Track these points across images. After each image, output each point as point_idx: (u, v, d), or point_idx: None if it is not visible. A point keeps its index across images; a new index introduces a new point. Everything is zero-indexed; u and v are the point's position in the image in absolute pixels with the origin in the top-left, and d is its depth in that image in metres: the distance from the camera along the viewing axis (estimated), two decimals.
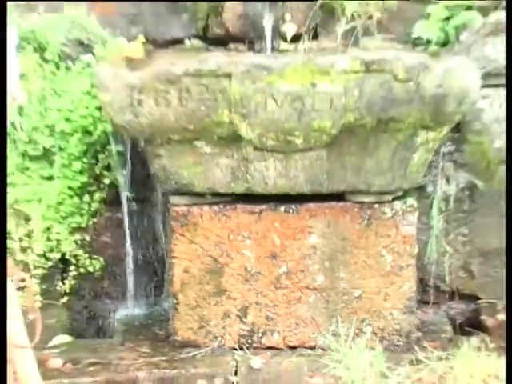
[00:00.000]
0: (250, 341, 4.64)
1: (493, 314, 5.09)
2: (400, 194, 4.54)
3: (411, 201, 4.52)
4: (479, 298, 5.21)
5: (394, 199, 4.53)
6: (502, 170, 5.00)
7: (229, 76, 4.11)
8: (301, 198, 4.49)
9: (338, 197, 4.50)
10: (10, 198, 4.72)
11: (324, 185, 4.43)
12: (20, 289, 3.01)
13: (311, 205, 4.49)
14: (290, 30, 4.79)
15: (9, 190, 4.66)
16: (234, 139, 4.28)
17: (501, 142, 4.99)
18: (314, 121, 4.15)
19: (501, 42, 4.83)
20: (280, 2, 4.84)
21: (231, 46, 4.95)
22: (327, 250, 4.52)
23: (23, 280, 2.05)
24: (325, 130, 4.18)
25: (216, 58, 4.19)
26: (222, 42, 4.96)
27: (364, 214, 4.50)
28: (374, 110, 4.16)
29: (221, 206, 4.52)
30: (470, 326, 5.06)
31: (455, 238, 5.13)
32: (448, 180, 5.02)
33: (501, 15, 4.83)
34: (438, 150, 4.72)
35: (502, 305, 5.13)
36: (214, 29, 4.97)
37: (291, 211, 4.50)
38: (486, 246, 5.14)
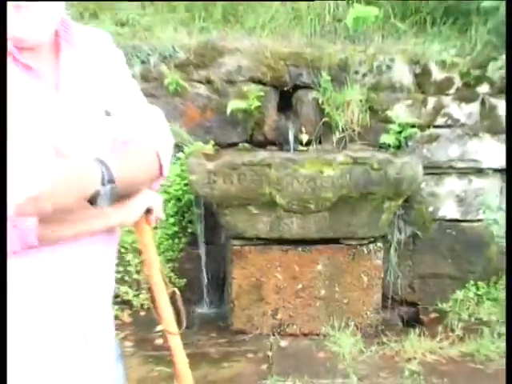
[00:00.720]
0: (278, 330, 4.62)
1: (427, 314, 5.04)
2: (372, 239, 4.58)
3: (379, 244, 4.57)
4: (418, 304, 5.15)
5: (369, 243, 4.56)
6: (434, 226, 5.04)
7: (269, 165, 4.24)
8: (312, 242, 4.51)
9: (335, 241, 4.53)
10: (130, 239, 4.66)
11: (327, 234, 4.47)
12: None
13: (318, 246, 4.52)
14: (304, 137, 4.79)
15: (129, 234, 4.65)
16: (271, 205, 4.34)
17: (432, 208, 5.05)
18: (322, 193, 4.27)
19: (434, 147, 4.93)
20: (298, 122, 4.84)
21: (268, 147, 4.89)
22: (327, 274, 4.56)
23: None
24: (328, 199, 4.30)
25: (261, 154, 4.37)
26: (262, 145, 4.90)
27: (351, 251, 4.54)
28: (359, 187, 4.29)
29: (262, 246, 4.52)
30: (413, 321, 5.00)
31: (404, 267, 5.08)
32: (400, 231, 5.02)
33: (436, 130, 4.95)
34: (395, 212, 4.74)
35: (431, 308, 5.09)
36: (257, 136, 4.91)
37: (306, 250, 4.52)
38: (423, 273, 5.10)
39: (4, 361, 1.59)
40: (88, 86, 1.84)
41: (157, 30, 4.84)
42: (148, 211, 1.87)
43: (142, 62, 4.75)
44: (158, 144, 1.91)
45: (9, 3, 1.63)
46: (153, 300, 2.00)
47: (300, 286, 4.60)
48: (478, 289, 5.12)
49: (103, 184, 1.67)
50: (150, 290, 2.02)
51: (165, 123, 2.00)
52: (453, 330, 4.71)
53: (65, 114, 1.77)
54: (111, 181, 1.68)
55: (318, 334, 4.62)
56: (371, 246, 4.59)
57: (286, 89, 4.87)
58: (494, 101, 4.94)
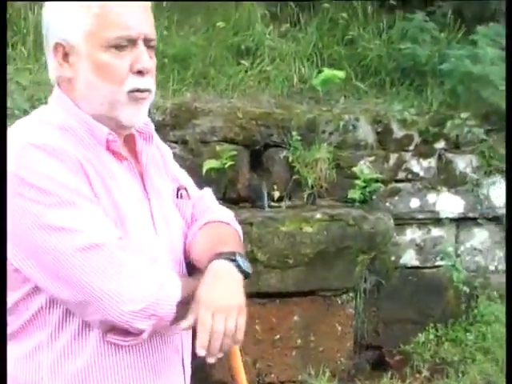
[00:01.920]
0: (257, 379, 4.71)
1: (392, 357, 5.22)
2: (345, 290, 4.83)
3: (351, 294, 4.84)
4: (382, 348, 5.29)
5: (342, 293, 4.81)
6: (396, 274, 5.30)
7: (251, 224, 4.43)
8: (289, 294, 4.66)
9: (311, 293, 4.71)
10: None
11: (304, 286, 4.65)
12: None
13: (295, 298, 4.69)
14: (276, 194, 4.95)
15: None
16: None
17: (394, 257, 5.29)
18: (301, 249, 4.49)
19: (396, 200, 5.25)
20: (269, 179, 5.04)
21: (241, 204, 4.95)
22: (303, 324, 4.73)
23: None
24: (306, 255, 4.53)
25: (244, 214, 4.54)
26: (235, 202, 4.93)
27: (325, 302, 4.76)
28: (335, 242, 4.56)
29: None
30: (379, 364, 5.19)
31: (369, 314, 5.22)
32: (365, 280, 5.15)
33: (397, 185, 5.29)
34: (365, 264, 4.92)
35: (395, 351, 5.25)
36: (230, 194, 4.97)
37: (283, 302, 4.67)
38: (387, 318, 5.27)
39: (4, 360, 1.63)
40: (161, 174, 2.01)
41: None
42: None
43: None
44: (234, 224, 2.08)
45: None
46: None
47: (277, 336, 4.77)
48: (437, 330, 5.40)
49: (243, 273, 1.86)
50: None
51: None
52: (419, 372, 5.00)
53: (154, 207, 1.92)
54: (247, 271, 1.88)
55: (294, 382, 4.79)
56: (344, 296, 4.85)
57: (257, 148, 5.11)
58: (450, 156, 5.33)
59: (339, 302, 4.84)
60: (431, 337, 5.39)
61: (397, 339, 5.37)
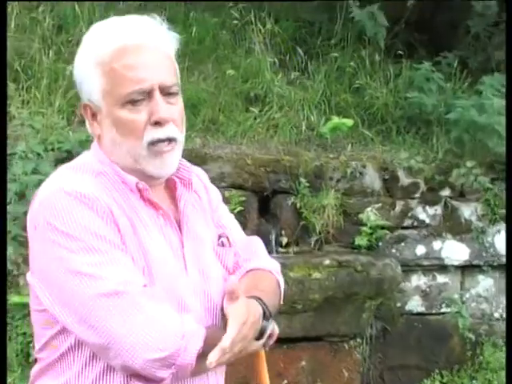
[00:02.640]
0: None
1: None
2: (352, 335, 4.87)
3: (359, 339, 4.87)
4: None
5: (349, 339, 4.83)
6: (402, 320, 5.35)
7: None
8: (297, 340, 4.66)
9: (319, 338, 4.74)
10: None
11: (311, 332, 4.68)
12: None
13: (303, 343, 4.70)
14: (284, 240, 5.03)
15: None
16: None
17: (400, 303, 5.32)
18: (310, 295, 4.51)
19: (402, 246, 5.30)
20: (278, 225, 5.09)
21: None
22: (310, 369, 4.74)
23: None
24: (315, 300, 4.54)
25: None
26: None
27: (332, 348, 4.79)
28: (343, 288, 4.58)
29: None
30: None
31: (375, 360, 5.25)
32: (371, 326, 5.18)
33: (403, 231, 5.38)
34: (372, 310, 4.96)
35: None
36: None
37: (290, 347, 4.67)
38: (392, 364, 5.31)
39: (4, 361, 1.71)
40: (201, 222, 2.03)
41: None
42: (269, 336, 1.96)
43: None
44: (277, 273, 2.11)
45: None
46: None
47: (285, 381, 4.77)
48: (442, 377, 5.43)
49: (267, 320, 1.88)
50: None
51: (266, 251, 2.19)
52: None
53: (187, 253, 1.95)
54: (270, 314, 1.89)
55: None
56: (351, 342, 4.88)
57: (265, 194, 5.18)
58: (455, 203, 5.39)
59: (346, 347, 4.87)
60: (437, 383, 5.41)
61: None
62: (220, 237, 2.08)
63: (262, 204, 5.21)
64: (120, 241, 1.82)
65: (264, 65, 5.51)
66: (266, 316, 1.88)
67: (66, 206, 1.79)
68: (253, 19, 5.60)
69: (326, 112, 5.48)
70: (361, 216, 5.21)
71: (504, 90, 5.44)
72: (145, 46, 1.86)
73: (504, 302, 5.58)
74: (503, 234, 5.47)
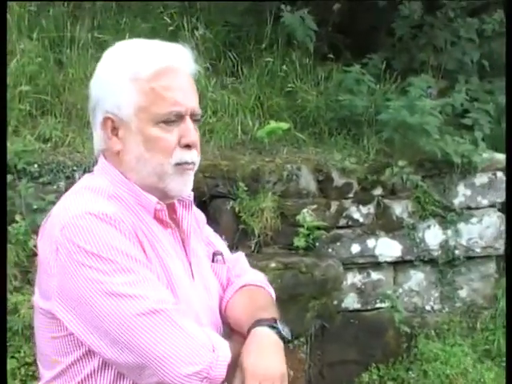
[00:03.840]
0: None
1: None
2: (297, 335, 4.95)
3: (302, 339, 5.01)
4: None
5: (294, 339, 4.91)
6: (339, 317, 5.48)
7: None
8: None
9: None
10: None
11: None
12: None
13: None
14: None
15: None
16: None
17: (336, 301, 5.42)
18: None
19: (338, 246, 5.44)
20: (217, 229, 5.28)
21: None
22: None
23: None
24: None
25: None
26: None
27: None
28: (288, 289, 4.72)
29: None
30: None
31: (315, 357, 5.35)
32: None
33: (338, 231, 5.53)
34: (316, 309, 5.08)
35: None
36: None
37: None
38: (331, 360, 5.43)
39: (4, 360, 1.72)
40: (198, 239, 2.12)
41: (79, 146, 5.10)
42: None
43: (67, 178, 4.95)
44: (267, 287, 2.22)
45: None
46: None
47: None
48: (379, 370, 5.62)
49: (283, 339, 1.96)
50: None
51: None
52: None
53: (194, 271, 2.03)
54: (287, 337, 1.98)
55: None
56: (296, 341, 5.01)
57: (204, 199, 5.23)
58: (387, 202, 5.58)
59: (291, 347, 4.97)
60: (374, 377, 5.59)
61: (341, 380, 5.55)
62: (215, 254, 2.17)
63: (201, 209, 5.23)
64: (146, 259, 1.88)
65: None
66: (281, 335, 1.97)
67: (93, 228, 1.83)
68: (184, 24, 5.63)
69: (260, 116, 5.58)
70: (297, 217, 5.32)
71: (429, 90, 5.69)
72: (183, 71, 1.95)
73: (435, 294, 5.83)
74: (433, 229, 5.71)
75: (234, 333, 2.06)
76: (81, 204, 1.89)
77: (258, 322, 1.97)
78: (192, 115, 1.95)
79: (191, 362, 1.81)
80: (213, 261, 2.16)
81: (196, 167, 2.01)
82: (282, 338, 1.97)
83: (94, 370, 1.88)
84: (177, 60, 1.94)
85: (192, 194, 2.10)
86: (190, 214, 2.09)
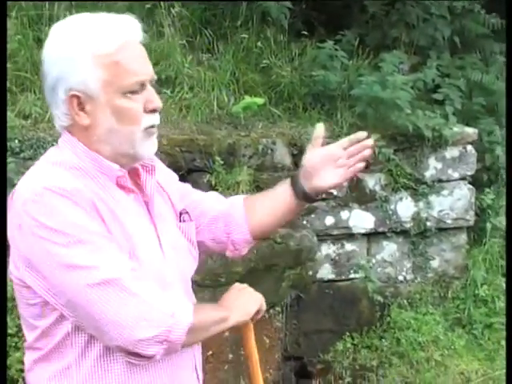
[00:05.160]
0: None
1: (314, 366, 5.61)
2: (272, 305, 5.06)
3: (278, 308, 5.15)
4: (303, 358, 5.66)
5: (269, 308, 4.97)
6: (314, 287, 5.66)
7: None
8: None
9: None
10: None
11: None
12: None
13: None
14: None
15: None
16: None
17: (311, 272, 5.56)
18: (233, 268, 4.78)
19: (312, 218, 5.57)
20: None
21: None
22: (234, 339, 4.86)
23: None
24: (238, 273, 4.80)
25: None
26: None
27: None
28: (264, 260, 4.87)
29: None
30: (302, 373, 5.60)
31: (291, 326, 5.54)
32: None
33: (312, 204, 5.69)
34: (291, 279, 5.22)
35: (316, 360, 5.63)
36: None
37: None
38: (307, 329, 5.62)
39: (4, 361, 1.81)
40: (165, 202, 2.26)
41: None
42: (257, 312, 2.30)
43: None
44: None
45: None
46: None
47: (210, 352, 5.01)
48: (353, 339, 5.80)
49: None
50: None
51: None
52: (342, 378, 5.40)
53: (160, 233, 2.17)
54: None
55: None
56: (271, 311, 5.16)
57: (181, 172, 5.37)
58: (360, 174, 5.70)
59: (266, 316, 5.12)
60: (348, 345, 5.77)
61: (317, 349, 5.73)
62: (181, 213, 2.31)
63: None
64: (105, 230, 2.00)
65: (174, 47, 5.67)
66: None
67: (51, 203, 1.95)
68: (161, 3, 5.76)
69: (236, 91, 5.72)
70: None
71: (401, 66, 5.85)
72: (138, 42, 2.09)
73: (407, 265, 6.02)
74: (405, 201, 5.87)
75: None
76: (41, 179, 2.01)
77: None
78: (151, 82, 2.10)
79: (146, 326, 1.94)
80: (180, 220, 2.29)
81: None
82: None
83: (69, 333, 2.03)
84: (132, 33, 2.08)
85: (155, 158, 2.24)
86: (154, 178, 2.20)
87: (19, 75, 5.34)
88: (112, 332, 1.94)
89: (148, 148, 2.11)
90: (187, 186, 2.46)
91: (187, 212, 2.33)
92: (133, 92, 2.05)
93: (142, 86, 2.06)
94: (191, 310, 2.03)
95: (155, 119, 2.11)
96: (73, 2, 5.58)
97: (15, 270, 2.05)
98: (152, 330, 1.94)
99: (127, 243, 2.04)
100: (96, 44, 2.03)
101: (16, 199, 2.02)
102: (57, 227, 1.93)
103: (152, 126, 2.10)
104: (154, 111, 2.09)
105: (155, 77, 2.13)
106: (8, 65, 5.27)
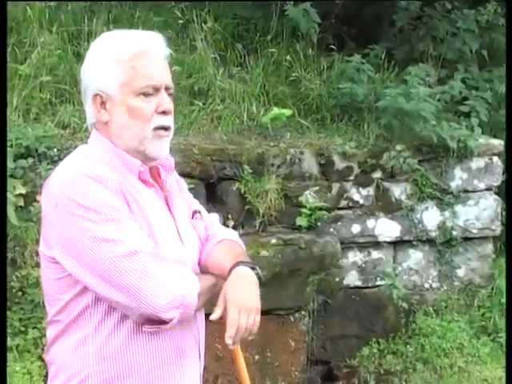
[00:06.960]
0: None
1: (340, 370, 5.78)
2: (297, 309, 5.34)
3: (303, 312, 5.34)
4: (330, 362, 5.83)
5: (295, 312, 5.32)
6: (340, 294, 5.79)
7: None
8: None
9: (266, 312, 4.96)
10: None
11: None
12: None
13: None
14: (230, 223, 5.37)
15: None
16: None
17: (338, 278, 5.78)
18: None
19: (339, 226, 5.80)
20: (224, 209, 5.53)
21: None
22: (260, 341, 5.13)
23: None
24: (263, 277, 5.08)
25: None
26: None
27: (279, 320, 5.28)
28: (289, 264, 5.10)
29: None
30: (328, 377, 5.76)
31: (317, 331, 5.69)
32: (313, 300, 5.60)
33: (339, 212, 5.87)
34: (315, 284, 5.46)
35: (342, 364, 5.79)
36: None
37: None
38: (334, 334, 5.79)
39: (4, 361, 1.95)
40: (180, 200, 2.49)
41: None
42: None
43: None
44: (240, 241, 2.61)
45: None
46: None
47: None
48: (379, 344, 5.95)
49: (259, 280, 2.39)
50: None
51: None
52: (366, 382, 5.56)
53: (178, 224, 2.41)
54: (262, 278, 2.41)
55: None
56: (296, 314, 5.37)
57: (212, 181, 5.62)
58: (386, 184, 5.93)
59: (292, 319, 5.35)
60: (374, 350, 5.93)
61: (343, 354, 5.90)
62: (195, 212, 2.55)
63: (209, 190, 5.62)
64: (130, 212, 2.26)
65: (206, 61, 5.94)
66: (258, 276, 2.40)
67: (86, 186, 2.22)
68: (194, 18, 6.04)
69: (265, 103, 5.95)
70: (300, 199, 5.67)
71: (428, 79, 6.03)
72: (155, 53, 2.36)
73: (433, 273, 6.16)
74: (430, 211, 6.03)
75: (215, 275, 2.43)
76: (76, 167, 2.28)
77: (240, 263, 2.37)
78: (166, 89, 2.35)
79: (165, 293, 2.20)
80: (192, 217, 2.53)
81: (171, 133, 2.38)
82: (259, 278, 2.39)
83: (88, 305, 2.28)
84: (150, 44, 2.36)
85: (173, 159, 2.48)
86: (172, 177, 2.47)
87: (59, 87, 5.63)
88: (136, 298, 2.19)
89: (157, 148, 2.35)
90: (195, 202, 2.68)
91: (199, 211, 2.58)
92: (146, 94, 2.32)
93: (156, 90, 2.33)
94: (197, 279, 2.29)
95: (166, 121, 2.35)
96: (110, 18, 5.86)
97: (46, 248, 2.31)
98: (169, 295, 2.20)
99: (147, 227, 2.30)
100: (116, 51, 2.33)
101: (51, 184, 2.29)
102: (89, 206, 2.20)
103: (163, 128, 2.34)
104: (164, 113, 2.33)
105: (171, 86, 2.38)
106: (48, 77, 5.60)
